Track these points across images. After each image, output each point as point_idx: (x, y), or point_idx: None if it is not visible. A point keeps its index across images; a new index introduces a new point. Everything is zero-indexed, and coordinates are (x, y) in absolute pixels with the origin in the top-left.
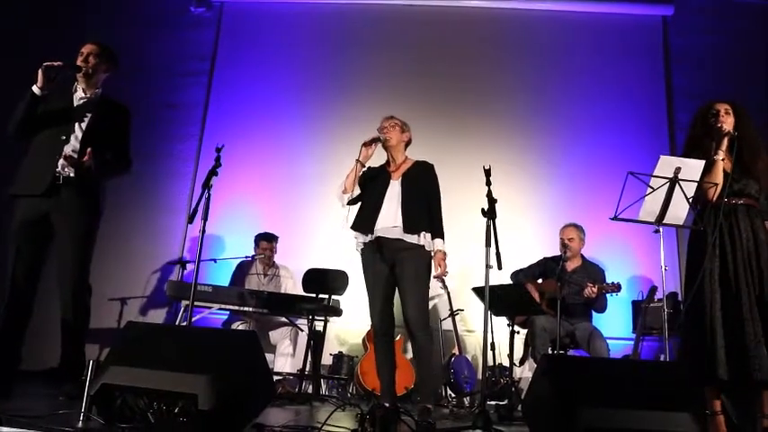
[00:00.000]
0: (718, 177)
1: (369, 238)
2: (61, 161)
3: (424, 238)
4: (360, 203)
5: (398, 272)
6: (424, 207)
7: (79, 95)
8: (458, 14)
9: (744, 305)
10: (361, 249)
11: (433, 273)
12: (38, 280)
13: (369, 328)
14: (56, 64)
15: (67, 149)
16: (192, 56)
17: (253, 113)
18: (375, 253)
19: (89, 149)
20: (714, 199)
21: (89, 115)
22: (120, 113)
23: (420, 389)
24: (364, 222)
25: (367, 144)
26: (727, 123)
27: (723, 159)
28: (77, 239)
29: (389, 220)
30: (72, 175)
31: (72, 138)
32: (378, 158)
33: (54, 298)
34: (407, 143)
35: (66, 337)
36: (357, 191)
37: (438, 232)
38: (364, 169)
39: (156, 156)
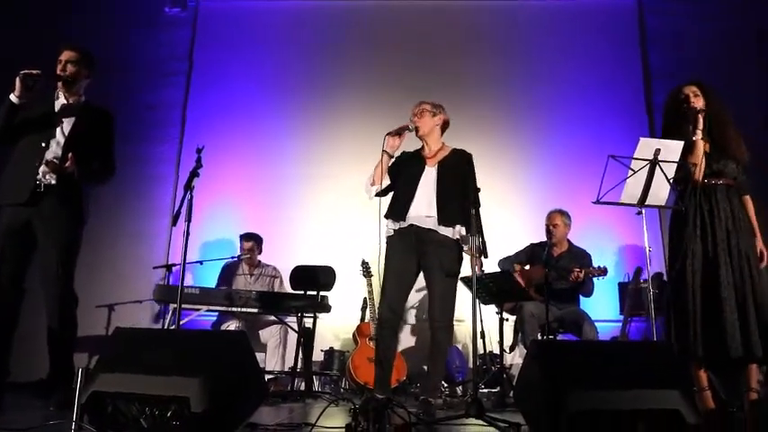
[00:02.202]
0: (699, 157)
1: (401, 224)
2: (42, 167)
3: (457, 232)
4: (393, 192)
5: (426, 264)
6: (459, 199)
7: (61, 102)
8: (434, 8)
9: (723, 285)
10: (390, 236)
11: (477, 272)
12: (23, 290)
13: (358, 322)
14: (34, 72)
15: (48, 156)
16: (168, 57)
17: (233, 113)
18: (404, 241)
19: (70, 154)
20: (699, 178)
21: (71, 121)
22: (103, 119)
23: (424, 382)
24: (397, 209)
25: (392, 134)
26: (698, 104)
27: (702, 138)
28: (61, 249)
29: (423, 208)
30: (53, 182)
31: (53, 144)
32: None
33: (41, 308)
34: (444, 126)
35: (53, 347)
36: (386, 181)
37: (474, 227)
38: (393, 159)
39: (136, 158)
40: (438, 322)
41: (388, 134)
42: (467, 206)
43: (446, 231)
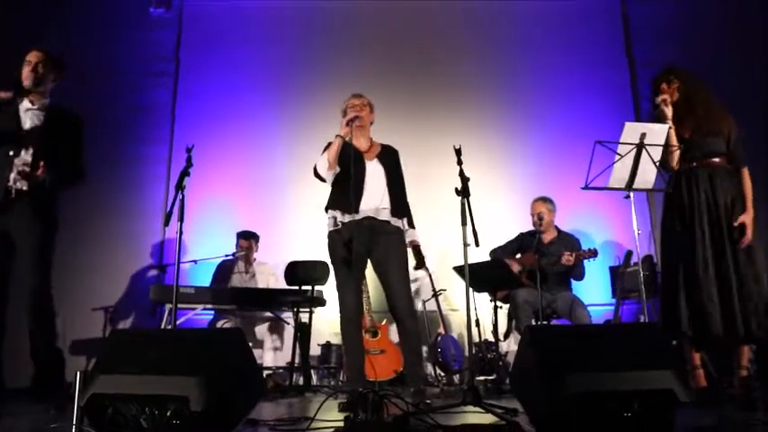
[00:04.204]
0: (673, 144)
1: (352, 217)
2: (13, 175)
3: (405, 224)
4: (332, 182)
5: (382, 258)
6: (403, 192)
7: (25, 107)
8: (421, 4)
9: (720, 266)
10: (337, 229)
11: (413, 264)
12: (6, 298)
13: None
14: (4, 96)
15: (18, 163)
16: (155, 57)
17: (221, 112)
18: (353, 233)
19: (41, 163)
20: (674, 165)
21: (38, 126)
22: (70, 121)
23: (409, 373)
24: (347, 201)
25: (349, 122)
26: (668, 93)
27: (671, 127)
28: (36, 252)
29: (376, 201)
30: (25, 188)
31: (21, 151)
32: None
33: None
34: (372, 123)
35: (37, 348)
36: (338, 167)
37: (412, 221)
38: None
39: (127, 160)
40: (403, 312)
41: (348, 122)
42: (405, 200)
43: (398, 223)
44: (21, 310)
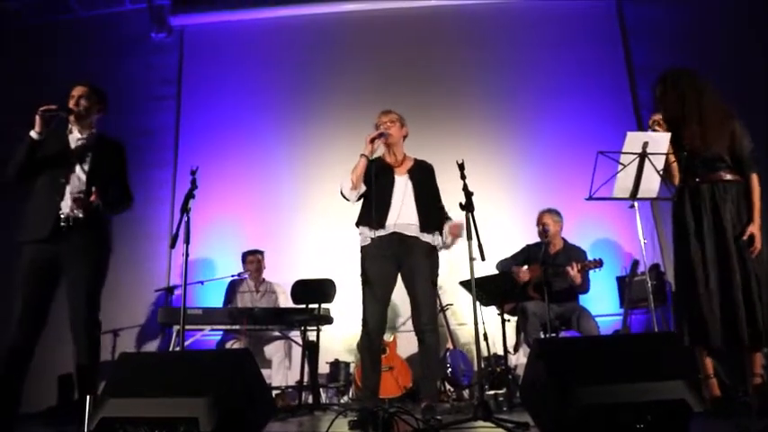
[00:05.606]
0: (671, 158)
1: (380, 233)
2: (69, 203)
3: (435, 238)
4: (362, 198)
5: (410, 272)
6: (435, 206)
7: (75, 137)
8: (421, 16)
9: (731, 276)
10: (367, 245)
11: (450, 234)
12: (44, 324)
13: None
14: (52, 107)
15: (73, 191)
16: (157, 81)
17: (225, 133)
18: (384, 249)
19: (94, 189)
20: (674, 180)
21: (89, 156)
22: (117, 150)
23: (423, 387)
24: (375, 217)
25: (373, 139)
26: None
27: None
28: (92, 279)
29: (404, 216)
30: (81, 215)
31: (75, 179)
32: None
33: (49, 338)
34: (405, 138)
35: (82, 376)
36: (363, 186)
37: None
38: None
39: (132, 184)
40: (427, 326)
41: (371, 139)
42: (441, 215)
43: (427, 238)
44: (45, 335)
